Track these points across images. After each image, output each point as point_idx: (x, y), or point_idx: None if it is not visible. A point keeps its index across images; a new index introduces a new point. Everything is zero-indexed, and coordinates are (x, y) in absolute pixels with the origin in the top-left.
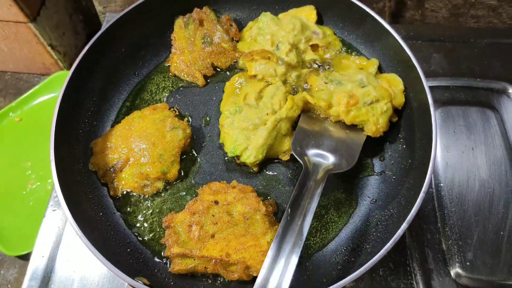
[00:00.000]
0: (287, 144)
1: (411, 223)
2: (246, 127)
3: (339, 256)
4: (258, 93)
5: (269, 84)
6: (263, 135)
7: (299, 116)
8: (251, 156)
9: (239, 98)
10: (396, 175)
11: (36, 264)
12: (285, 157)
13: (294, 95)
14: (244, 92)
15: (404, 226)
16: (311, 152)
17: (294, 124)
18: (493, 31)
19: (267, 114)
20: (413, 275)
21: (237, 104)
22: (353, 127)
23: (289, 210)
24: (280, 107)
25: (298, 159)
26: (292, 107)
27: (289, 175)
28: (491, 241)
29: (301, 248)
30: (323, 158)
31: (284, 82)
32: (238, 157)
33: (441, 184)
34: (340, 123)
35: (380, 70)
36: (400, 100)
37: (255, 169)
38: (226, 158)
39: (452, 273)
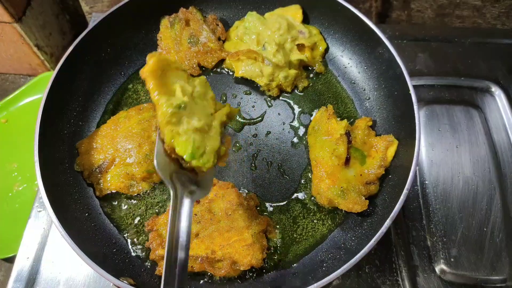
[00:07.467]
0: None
1: (397, 221)
2: (200, 127)
3: (324, 254)
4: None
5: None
6: (217, 138)
7: None
8: (209, 161)
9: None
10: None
11: (21, 266)
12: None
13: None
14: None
15: (387, 223)
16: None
17: None
18: (477, 31)
19: (212, 114)
20: (398, 272)
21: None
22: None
23: None
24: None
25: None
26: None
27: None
28: (475, 237)
29: None
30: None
31: (271, 82)
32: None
33: (426, 182)
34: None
35: (365, 68)
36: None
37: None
38: None
39: (437, 269)
